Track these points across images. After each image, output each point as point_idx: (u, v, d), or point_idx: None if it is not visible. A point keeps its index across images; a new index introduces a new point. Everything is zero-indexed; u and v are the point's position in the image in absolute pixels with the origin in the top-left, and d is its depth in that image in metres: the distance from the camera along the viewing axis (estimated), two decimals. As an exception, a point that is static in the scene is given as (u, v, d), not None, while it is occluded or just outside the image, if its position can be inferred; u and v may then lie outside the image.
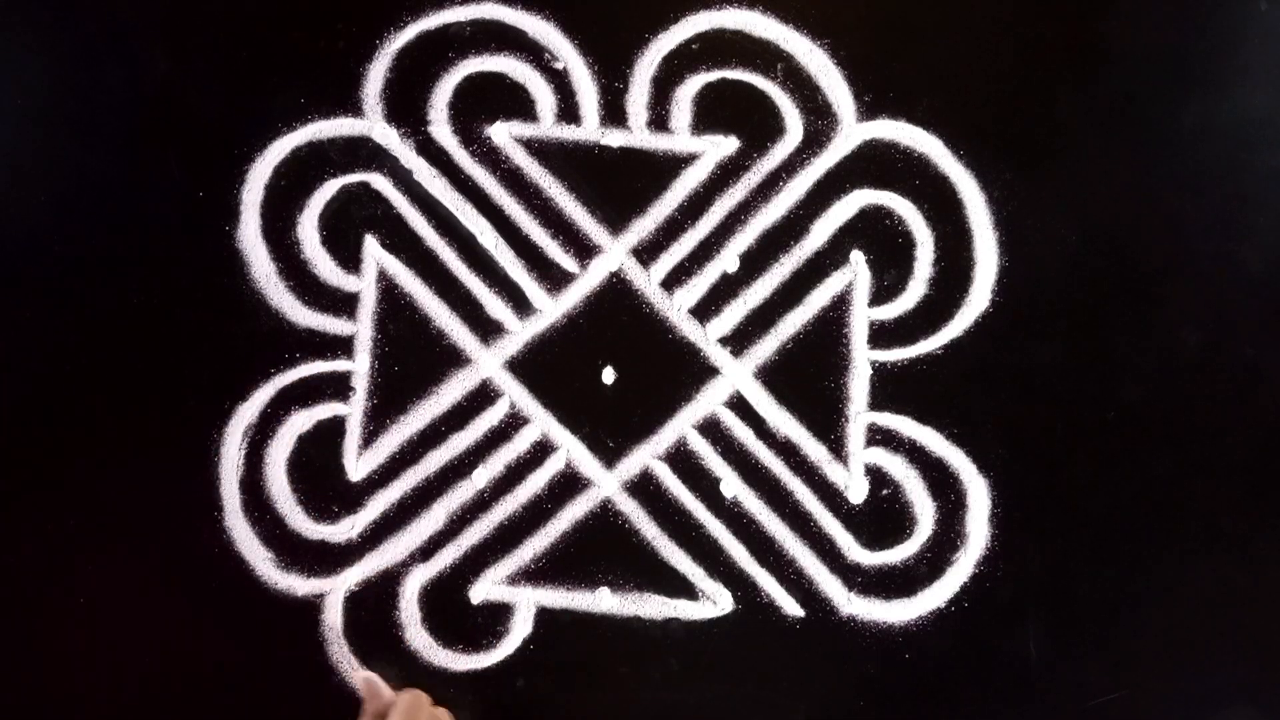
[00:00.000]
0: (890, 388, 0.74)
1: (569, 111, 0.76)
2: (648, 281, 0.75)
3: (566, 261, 0.75)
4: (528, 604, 0.72)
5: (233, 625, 0.71)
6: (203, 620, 0.71)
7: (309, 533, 0.72)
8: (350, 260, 0.75)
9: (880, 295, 0.75)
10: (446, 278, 0.75)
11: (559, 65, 0.77)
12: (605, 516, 0.73)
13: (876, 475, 0.73)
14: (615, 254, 0.75)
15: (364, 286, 0.75)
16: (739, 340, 0.74)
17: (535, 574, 0.72)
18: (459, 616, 0.72)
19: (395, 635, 0.71)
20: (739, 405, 0.74)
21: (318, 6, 0.77)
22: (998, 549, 0.72)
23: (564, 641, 0.71)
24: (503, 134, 0.76)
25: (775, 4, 0.77)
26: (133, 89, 0.77)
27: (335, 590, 0.72)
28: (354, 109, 0.76)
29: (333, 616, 0.71)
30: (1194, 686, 0.71)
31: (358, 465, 0.73)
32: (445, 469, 0.73)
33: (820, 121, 0.76)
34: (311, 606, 0.71)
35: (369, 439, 0.73)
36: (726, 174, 0.76)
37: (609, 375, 0.74)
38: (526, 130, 0.76)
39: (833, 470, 0.73)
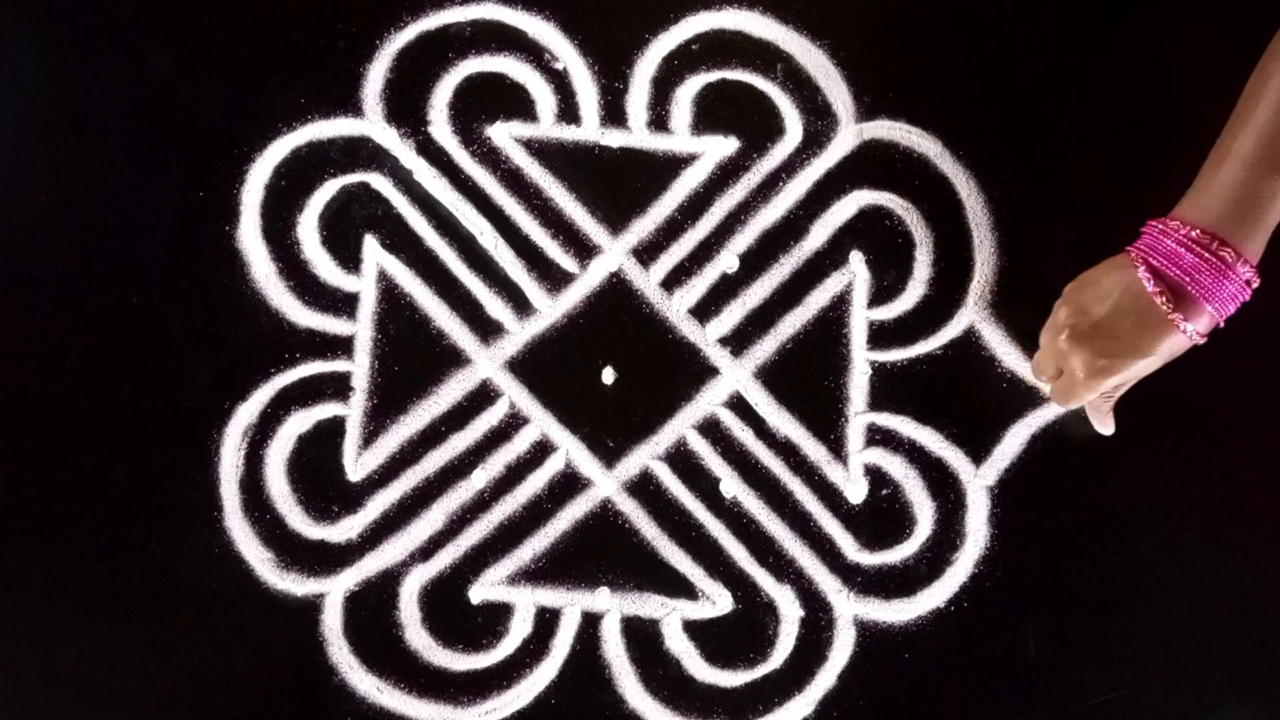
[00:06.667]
0: (890, 388, 0.74)
1: (569, 111, 0.77)
2: (648, 281, 0.75)
3: (566, 261, 0.75)
4: (528, 604, 0.72)
5: (233, 625, 0.71)
6: (202, 620, 0.71)
7: (309, 533, 0.72)
8: (350, 260, 0.75)
9: (880, 296, 0.75)
10: (446, 278, 0.75)
11: (559, 65, 0.77)
12: (605, 516, 0.73)
13: (876, 475, 0.73)
14: (615, 254, 0.75)
15: (364, 286, 0.75)
16: (739, 340, 0.75)
17: (535, 574, 0.72)
18: (459, 616, 0.72)
19: (395, 635, 0.71)
20: (739, 405, 0.74)
21: (318, 6, 0.77)
22: (997, 549, 0.72)
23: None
24: (503, 134, 0.76)
25: (775, 4, 0.77)
26: (133, 89, 0.77)
27: (335, 591, 0.72)
28: (354, 109, 0.76)
29: (332, 617, 0.71)
30: (1194, 686, 0.71)
31: (357, 466, 0.73)
32: (445, 469, 0.73)
33: (820, 122, 0.76)
34: (311, 607, 0.71)
35: (369, 439, 0.73)
36: (726, 174, 0.76)
37: (609, 375, 0.74)
38: (526, 130, 0.76)
39: (832, 470, 0.73)
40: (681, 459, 0.73)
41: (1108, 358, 0.63)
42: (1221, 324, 0.64)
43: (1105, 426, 0.71)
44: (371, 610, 0.71)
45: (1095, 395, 0.66)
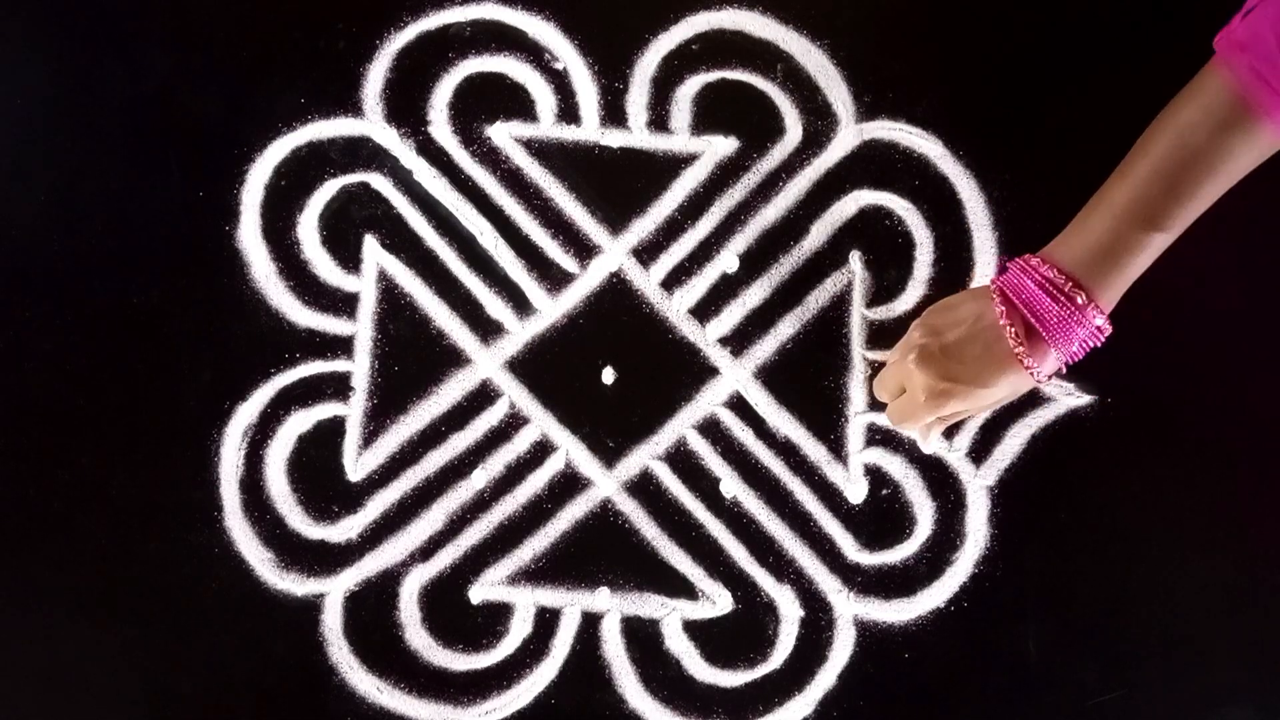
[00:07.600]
0: (890, 388, 0.74)
1: (569, 111, 0.77)
2: (648, 281, 0.75)
3: (566, 261, 0.75)
4: (528, 604, 0.72)
5: (233, 625, 0.71)
6: (202, 620, 0.71)
7: (309, 533, 0.72)
8: (350, 260, 0.75)
9: (880, 296, 0.75)
10: (446, 278, 0.75)
11: (559, 65, 0.77)
12: (605, 516, 0.73)
13: (876, 475, 0.73)
14: (615, 254, 0.75)
15: (364, 286, 0.75)
16: (739, 340, 0.75)
17: (535, 574, 0.72)
18: (459, 616, 0.72)
19: (395, 635, 0.71)
20: (739, 405, 0.74)
21: (318, 6, 0.77)
22: (997, 549, 0.72)
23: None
24: (503, 134, 0.76)
25: (775, 4, 0.77)
26: (133, 89, 0.77)
27: (335, 591, 0.72)
28: (354, 109, 0.76)
29: (332, 617, 0.71)
30: (1194, 686, 0.71)
31: (357, 466, 0.73)
32: (445, 469, 0.73)
33: (820, 122, 0.76)
34: (311, 607, 0.71)
35: (369, 439, 0.73)
36: (726, 174, 0.76)
37: (609, 375, 0.74)
38: (526, 130, 0.76)
39: (832, 470, 0.73)
40: (681, 459, 0.73)
41: (950, 381, 0.64)
42: (1064, 370, 0.65)
43: (928, 445, 0.72)
44: (371, 610, 0.71)
45: (932, 418, 0.67)
